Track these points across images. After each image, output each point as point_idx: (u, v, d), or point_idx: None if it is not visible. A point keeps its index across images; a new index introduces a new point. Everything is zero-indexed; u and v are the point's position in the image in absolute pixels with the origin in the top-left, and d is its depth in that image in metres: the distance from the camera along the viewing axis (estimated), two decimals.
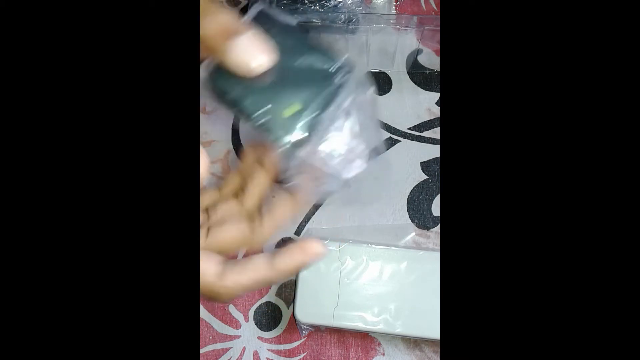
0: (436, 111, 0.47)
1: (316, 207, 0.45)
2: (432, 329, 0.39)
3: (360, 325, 0.39)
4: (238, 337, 0.42)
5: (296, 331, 0.42)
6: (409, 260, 0.41)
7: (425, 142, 0.46)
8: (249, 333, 0.42)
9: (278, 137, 0.28)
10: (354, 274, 0.41)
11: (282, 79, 0.28)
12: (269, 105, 0.28)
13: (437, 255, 0.41)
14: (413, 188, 0.45)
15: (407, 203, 0.44)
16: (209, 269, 0.28)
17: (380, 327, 0.39)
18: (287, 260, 0.29)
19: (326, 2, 0.44)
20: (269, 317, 0.43)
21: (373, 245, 0.42)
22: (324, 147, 0.31)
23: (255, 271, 0.29)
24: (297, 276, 0.41)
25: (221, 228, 0.30)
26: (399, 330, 0.39)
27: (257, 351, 0.42)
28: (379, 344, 0.42)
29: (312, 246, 0.30)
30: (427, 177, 0.45)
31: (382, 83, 0.48)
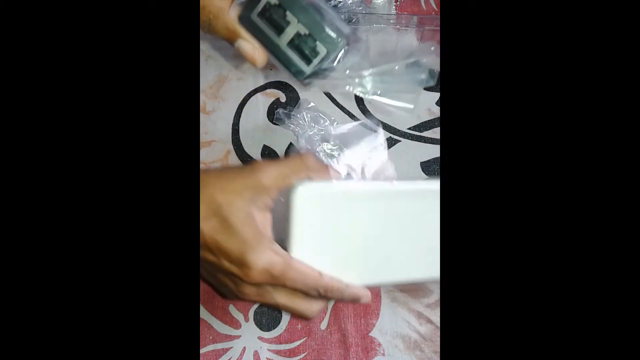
0: (436, 111, 0.47)
1: None
2: (432, 269, 0.35)
3: (376, 280, 0.36)
4: (238, 337, 0.42)
5: (296, 331, 0.42)
6: (406, 198, 0.36)
7: (425, 142, 0.46)
8: (249, 333, 0.42)
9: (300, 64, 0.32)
10: (366, 220, 0.35)
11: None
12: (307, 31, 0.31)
13: (437, 187, 0.36)
14: None
15: None
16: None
17: (381, 277, 0.36)
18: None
19: (326, 1, 0.44)
20: (269, 317, 0.43)
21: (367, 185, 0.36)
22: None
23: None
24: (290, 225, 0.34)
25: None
26: (400, 276, 0.36)
27: (257, 351, 0.42)
28: (379, 344, 0.42)
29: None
30: (427, 177, 0.45)
31: None
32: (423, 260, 0.36)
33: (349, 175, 0.38)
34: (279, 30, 0.30)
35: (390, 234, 0.36)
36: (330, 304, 0.42)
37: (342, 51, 0.31)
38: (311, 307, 0.34)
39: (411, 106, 0.32)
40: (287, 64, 0.31)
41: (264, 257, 0.31)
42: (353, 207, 0.35)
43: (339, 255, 0.35)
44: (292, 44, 0.30)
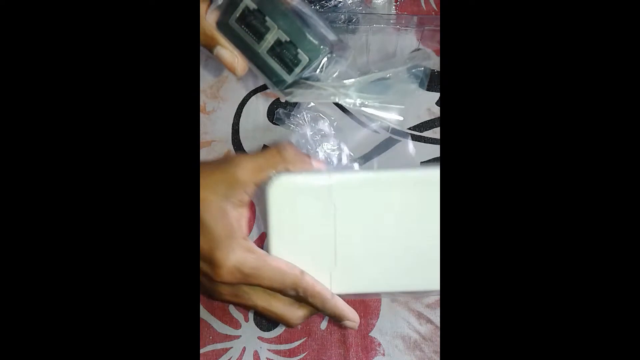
0: (436, 111, 0.47)
1: None
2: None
3: (366, 288, 0.33)
4: (238, 337, 0.42)
5: (296, 331, 0.42)
6: (402, 189, 0.32)
7: (425, 142, 0.46)
8: (249, 333, 0.42)
9: (280, 73, 0.30)
10: (353, 218, 0.32)
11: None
12: (288, 38, 0.29)
13: (437, 174, 0.32)
14: None
15: None
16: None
17: (393, 286, 0.33)
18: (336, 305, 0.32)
19: (326, 2, 0.44)
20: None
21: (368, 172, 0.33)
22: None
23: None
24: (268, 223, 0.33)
25: None
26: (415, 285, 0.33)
27: (257, 351, 0.42)
28: (379, 344, 0.42)
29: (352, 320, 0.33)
30: None
31: None
32: (422, 267, 0.32)
33: (344, 165, 0.35)
34: (259, 36, 0.28)
35: (383, 233, 0.32)
36: None
37: (326, 59, 0.29)
38: (292, 312, 0.33)
39: (401, 118, 0.30)
40: (268, 73, 0.30)
41: (233, 255, 0.30)
42: (338, 201, 0.32)
43: (322, 255, 0.32)
44: (272, 51, 0.29)
